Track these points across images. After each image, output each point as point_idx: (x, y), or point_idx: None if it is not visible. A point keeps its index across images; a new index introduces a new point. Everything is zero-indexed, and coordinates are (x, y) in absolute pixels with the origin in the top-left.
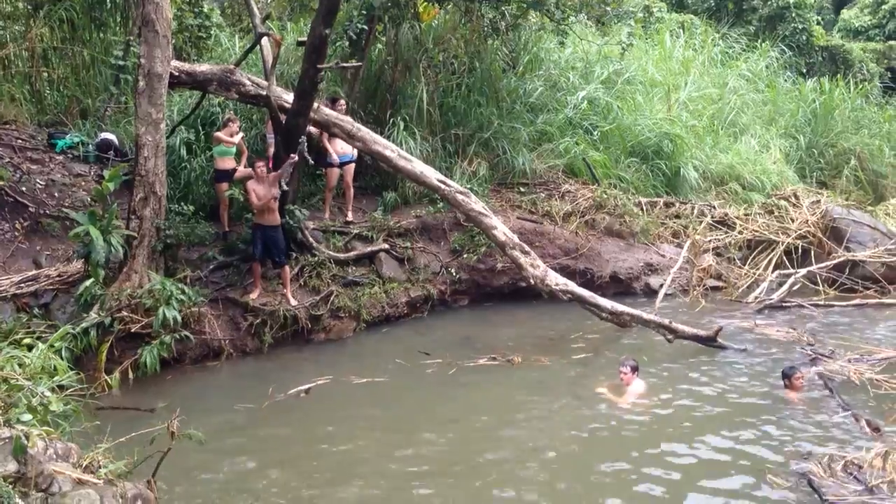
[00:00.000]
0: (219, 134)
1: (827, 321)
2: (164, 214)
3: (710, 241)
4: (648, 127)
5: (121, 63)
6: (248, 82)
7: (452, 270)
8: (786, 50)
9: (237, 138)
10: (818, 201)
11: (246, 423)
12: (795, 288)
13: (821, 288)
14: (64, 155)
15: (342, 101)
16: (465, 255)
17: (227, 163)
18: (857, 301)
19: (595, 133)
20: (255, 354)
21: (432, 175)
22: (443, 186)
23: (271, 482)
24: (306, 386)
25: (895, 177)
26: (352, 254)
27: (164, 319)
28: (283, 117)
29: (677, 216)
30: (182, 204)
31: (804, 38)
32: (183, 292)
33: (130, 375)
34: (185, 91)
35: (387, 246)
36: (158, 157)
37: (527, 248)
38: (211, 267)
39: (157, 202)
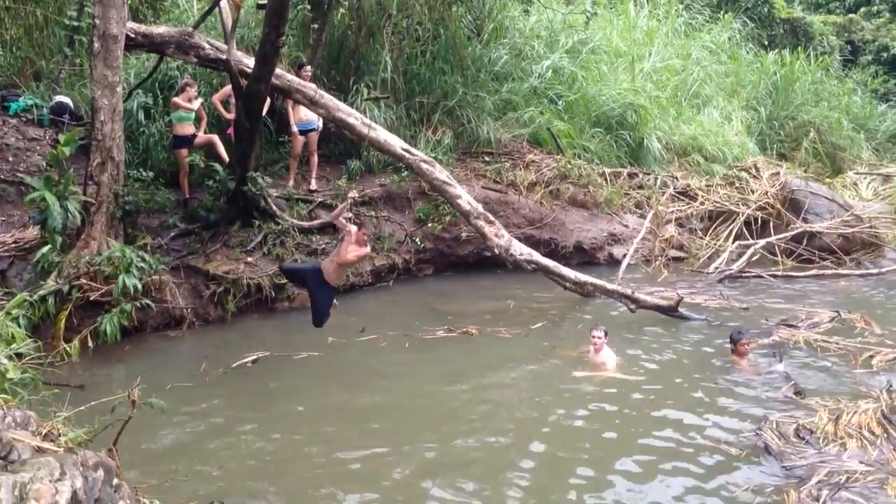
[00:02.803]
0: (176, 99)
1: (784, 290)
2: (122, 180)
3: (672, 211)
4: (613, 97)
5: (75, 24)
6: (207, 46)
7: (417, 240)
8: (748, 22)
9: (196, 104)
10: (777, 173)
11: (208, 391)
12: (755, 258)
13: (779, 258)
14: (17, 118)
15: (308, 68)
16: (429, 225)
17: (187, 128)
18: (813, 271)
19: (560, 103)
20: (217, 323)
21: (396, 143)
22: (407, 155)
23: (234, 449)
24: (252, 356)
25: (853, 149)
26: (316, 222)
27: (124, 287)
28: (243, 82)
29: (640, 187)
30: (141, 170)
31: (766, 10)
32: (143, 260)
33: (90, 344)
34: (141, 54)
35: (351, 214)
36: (115, 122)
37: (491, 217)
38: (172, 234)
39: (114, 168)
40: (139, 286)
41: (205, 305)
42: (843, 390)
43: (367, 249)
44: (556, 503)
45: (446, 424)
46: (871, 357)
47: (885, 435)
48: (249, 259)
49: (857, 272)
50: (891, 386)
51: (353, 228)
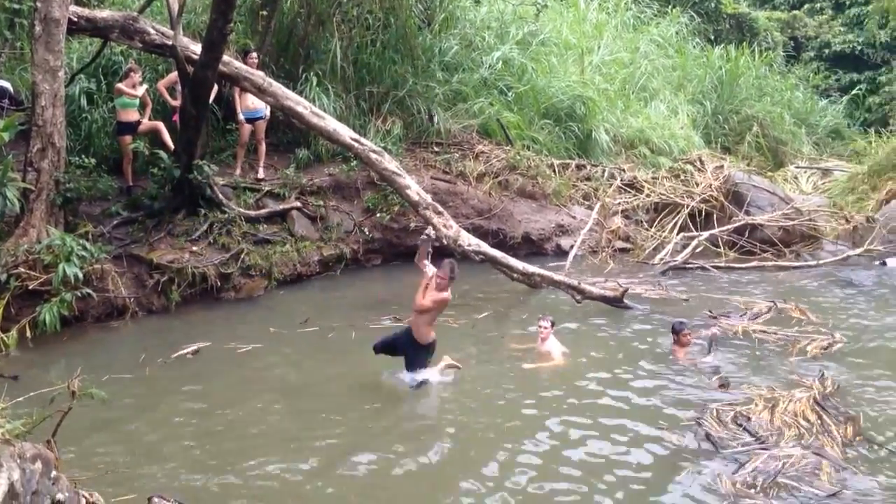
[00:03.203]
0: (120, 85)
1: (726, 282)
2: (63, 167)
3: (619, 203)
4: (562, 89)
5: (16, 6)
6: (152, 31)
7: (365, 229)
8: (695, 16)
9: (141, 90)
10: (721, 166)
11: (149, 382)
12: (699, 250)
13: (722, 250)
14: None
15: (254, 55)
16: (378, 215)
17: (131, 115)
18: (754, 263)
19: (509, 94)
20: (161, 313)
21: (346, 133)
22: (356, 145)
23: (175, 441)
24: (193, 347)
25: (794, 144)
26: (263, 211)
27: (64, 276)
28: (190, 69)
29: (588, 178)
30: (83, 156)
31: (713, 5)
32: (84, 248)
33: (28, 334)
34: (85, 38)
35: (299, 204)
36: (57, 107)
37: (440, 208)
38: (114, 222)
39: (55, 154)
40: (80, 275)
41: (148, 295)
42: (779, 379)
43: (447, 295)
44: (501, 492)
45: (391, 415)
46: (807, 345)
47: (819, 422)
48: (194, 248)
49: (797, 264)
50: (822, 374)
51: (430, 270)
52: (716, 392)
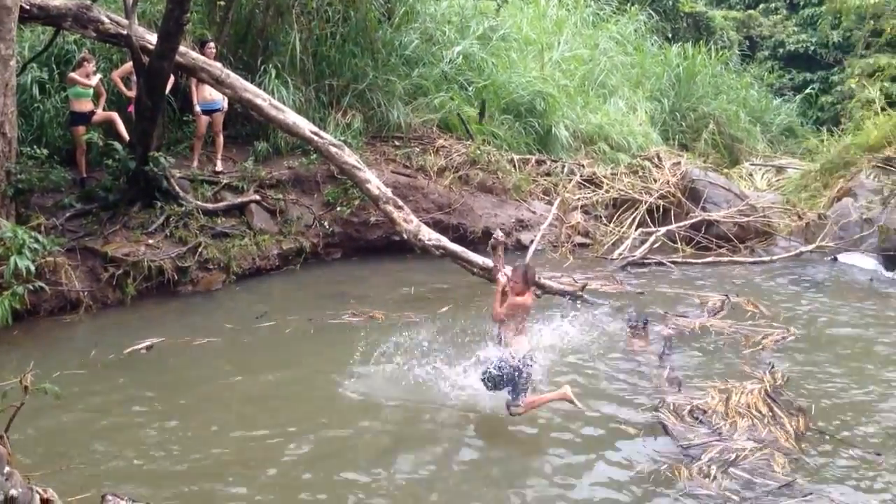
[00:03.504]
0: (73, 75)
1: (683, 276)
2: (14, 158)
3: (578, 199)
4: (522, 85)
5: None
6: (106, 20)
7: (325, 223)
8: (653, 14)
9: (94, 80)
10: (679, 163)
11: (102, 377)
12: (656, 245)
13: (679, 246)
14: None
15: (211, 45)
16: (338, 209)
17: (84, 105)
18: (710, 258)
19: (470, 89)
20: (116, 307)
21: (305, 126)
22: (316, 138)
23: (129, 436)
24: (146, 342)
25: (749, 141)
26: (221, 204)
27: (16, 269)
28: (145, 59)
29: (548, 174)
30: (35, 147)
31: (670, 3)
32: (36, 241)
33: None
34: (37, 27)
35: (258, 197)
36: (8, 97)
37: (400, 202)
38: (68, 215)
39: (6, 144)
40: (32, 268)
41: (103, 288)
42: (732, 372)
43: (524, 299)
44: (458, 485)
45: (349, 411)
46: (762, 339)
47: (771, 413)
48: (150, 241)
49: (751, 259)
50: (772, 367)
51: (502, 276)
52: (671, 388)
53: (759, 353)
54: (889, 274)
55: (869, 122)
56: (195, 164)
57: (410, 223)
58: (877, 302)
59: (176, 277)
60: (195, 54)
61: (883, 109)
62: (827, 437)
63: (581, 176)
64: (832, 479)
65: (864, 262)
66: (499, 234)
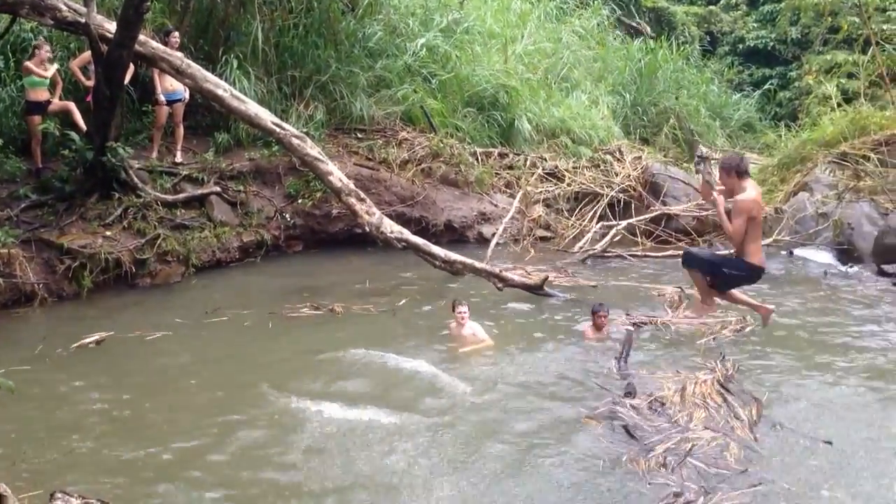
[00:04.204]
0: (28, 64)
1: (642, 270)
2: None
3: (540, 192)
4: (485, 78)
5: None
6: (64, 7)
7: (287, 215)
8: (616, 9)
9: (52, 69)
10: (640, 157)
11: (53, 371)
12: (617, 239)
13: (639, 239)
14: None
15: (175, 35)
16: (300, 201)
17: (40, 94)
18: (670, 252)
19: (433, 81)
20: (73, 299)
21: (267, 117)
22: (278, 129)
23: (81, 432)
24: (95, 336)
25: (709, 136)
26: (180, 196)
27: None
28: (104, 48)
29: (510, 167)
30: None
31: None
32: None
33: None
34: None
35: (218, 189)
36: None
37: (363, 194)
38: (22, 206)
39: None
40: None
41: (59, 281)
42: (686, 363)
43: (745, 196)
44: (414, 474)
45: (304, 404)
46: (721, 329)
47: (726, 403)
48: (108, 233)
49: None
50: (723, 357)
51: (718, 196)
52: (636, 375)
53: (712, 343)
54: (843, 268)
55: (825, 118)
56: (154, 154)
57: (373, 216)
58: (830, 295)
59: (134, 270)
60: (154, 43)
61: (839, 105)
62: (779, 426)
63: (543, 169)
64: (784, 466)
65: (819, 256)
66: (702, 150)
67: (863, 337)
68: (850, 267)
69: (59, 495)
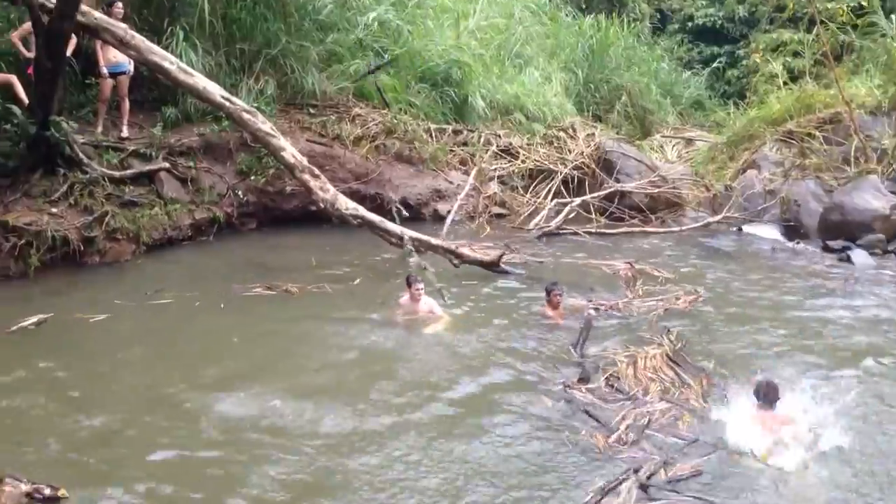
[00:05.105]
0: None
1: (596, 247)
2: None
3: (495, 169)
4: (438, 53)
5: None
6: None
7: (239, 192)
8: None
9: None
10: (593, 134)
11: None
12: (571, 216)
13: (593, 216)
14: None
15: (119, 5)
16: (252, 177)
17: None
18: (623, 229)
19: (386, 56)
20: (19, 279)
21: (216, 91)
22: (227, 104)
23: (24, 417)
24: (34, 318)
25: (660, 113)
26: (128, 172)
27: None
28: (45, 19)
29: (465, 144)
30: None
31: None
32: None
33: None
34: None
35: (168, 165)
36: None
37: (317, 171)
38: None
39: None
40: None
41: (4, 259)
42: (636, 338)
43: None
44: (372, 449)
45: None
46: (676, 301)
47: (676, 375)
48: (54, 210)
49: (662, 230)
50: (668, 330)
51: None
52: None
53: (659, 317)
54: (790, 244)
55: (772, 97)
56: (99, 129)
57: (327, 192)
58: (776, 270)
59: (82, 248)
60: (98, 14)
61: (785, 84)
62: (727, 395)
63: (497, 146)
64: (735, 436)
65: (766, 232)
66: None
67: (805, 310)
68: (797, 243)
69: (9, 480)
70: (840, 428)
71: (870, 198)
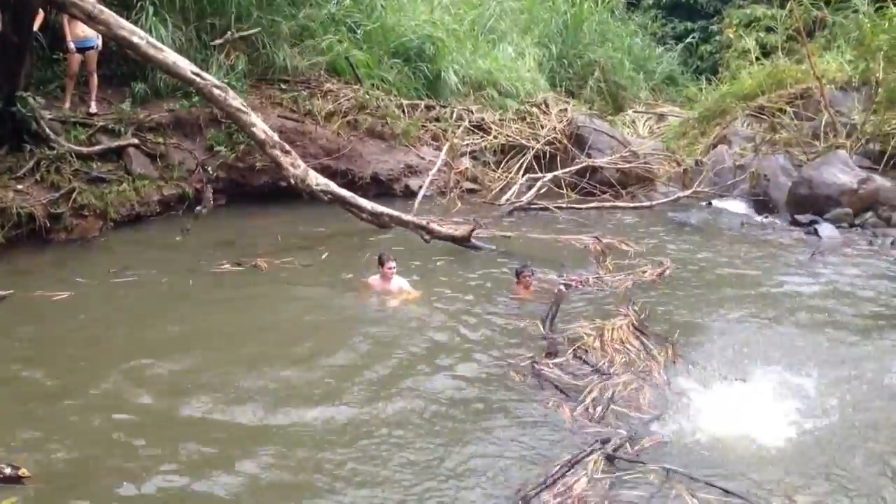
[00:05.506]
0: None
1: (567, 221)
2: None
3: (467, 144)
4: (411, 28)
5: None
6: None
7: (209, 168)
8: None
9: None
10: (565, 110)
11: None
12: (543, 191)
13: (565, 192)
14: None
15: None
16: (222, 153)
17: None
18: (594, 204)
19: (358, 31)
20: None
21: (186, 66)
22: (198, 79)
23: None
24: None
25: (633, 89)
26: (96, 148)
27: None
28: None
29: (437, 119)
30: None
31: None
32: None
33: None
34: None
35: (136, 141)
36: None
37: (287, 147)
38: None
39: None
40: None
41: None
42: (603, 310)
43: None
44: (347, 429)
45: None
46: (645, 273)
47: (643, 346)
48: (20, 186)
49: (633, 205)
50: (632, 302)
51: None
52: (556, 335)
53: (627, 290)
54: (759, 218)
55: (744, 72)
56: (67, 105)
57: (298, 168)
58: (745, 244)
59: (49, 224)
60: None
61: (757, 59)
62: (692, 366)
63: (470, 122)
64: (700, 407)
65: (736, 207)
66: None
67: (771, 281)
68: (766, 217)
69: None
70: (802, 396)
71: (838, 172)
